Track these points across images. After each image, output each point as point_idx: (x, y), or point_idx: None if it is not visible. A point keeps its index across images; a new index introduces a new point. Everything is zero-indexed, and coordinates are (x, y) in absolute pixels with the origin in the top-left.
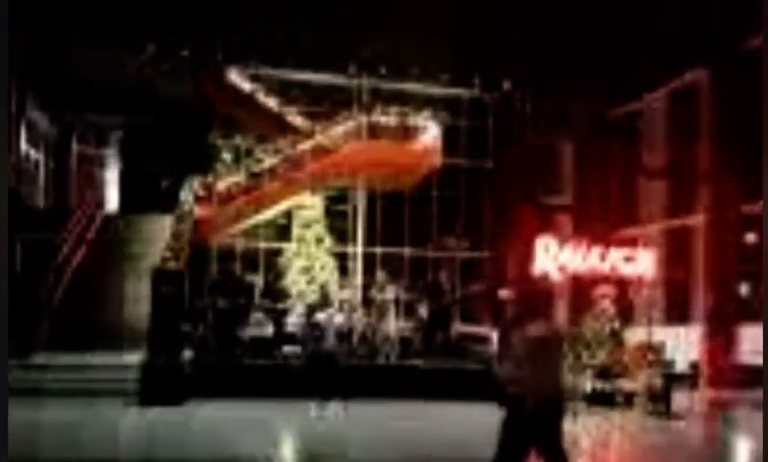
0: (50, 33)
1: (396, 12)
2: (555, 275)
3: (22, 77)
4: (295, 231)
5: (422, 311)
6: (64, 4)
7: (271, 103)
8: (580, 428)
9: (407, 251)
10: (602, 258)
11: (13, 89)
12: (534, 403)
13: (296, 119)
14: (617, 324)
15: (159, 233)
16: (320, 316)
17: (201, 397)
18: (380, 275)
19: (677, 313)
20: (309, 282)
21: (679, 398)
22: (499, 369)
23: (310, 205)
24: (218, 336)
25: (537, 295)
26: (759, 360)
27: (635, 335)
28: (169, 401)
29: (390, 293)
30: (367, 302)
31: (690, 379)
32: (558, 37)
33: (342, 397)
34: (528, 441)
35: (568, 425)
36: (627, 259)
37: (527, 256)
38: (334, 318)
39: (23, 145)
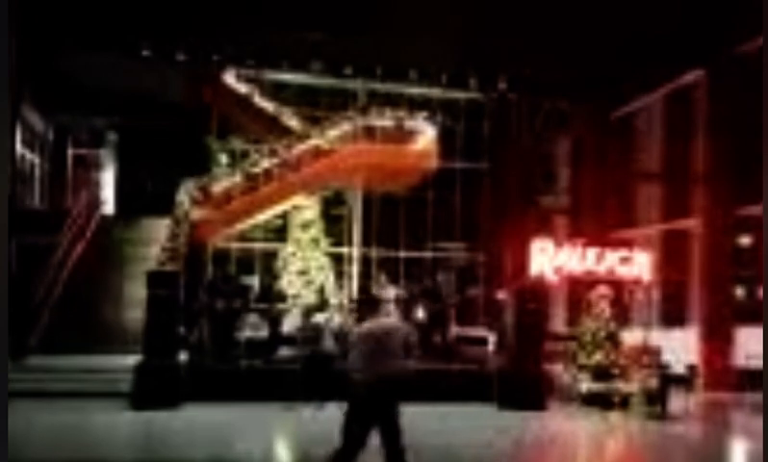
0: (46, 35)
1: (393, 14)
2: (552, 277)
3: (18, 79)
4: (292, 233)
5: (420, 313)
6: (59, 6)
7: (268, 105)
8: (577, 430)
9: (404, 253)
10: (599, 260)
11: (12, 95)
12: (367, 389)
13: (293, 122)
14: (614, 326)
15: (155, 235)
16: (319, 317)
17: (196, 400)
18: (382, 276)
19: (673, 315)
20: (305, 284)
21: (676, 400)
22: (346, 361)
23: (306, 207)
24: (214, 338)
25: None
26: (755, 363)
27: (632, 337)
28: (164, 404)
29: (390, 293)
30: None
31: (687, 381)
32: (555, 38)
33: (338, 400)
34: (367, 421)
35: (568, 427)
36: (624, 261)
37: (524, 258)
38: (332, 320)
39: (19, 147)
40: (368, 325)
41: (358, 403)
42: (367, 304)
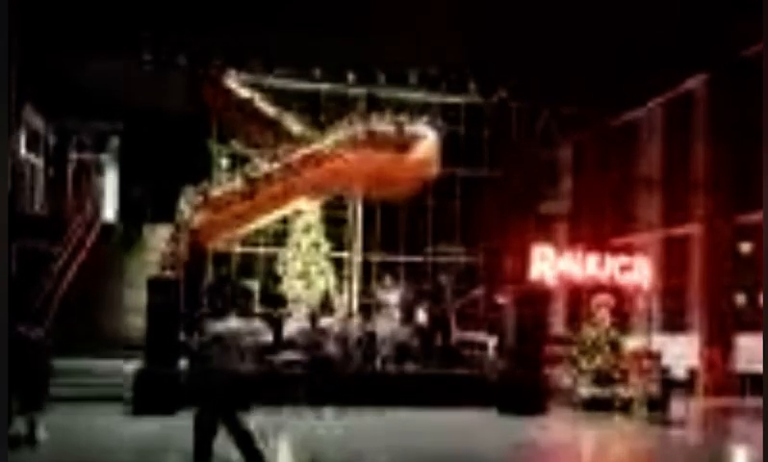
0: (48, 39)
1: (395, 20)
2: (552, 283)
3: (21, 84)
4: (293, 237)
5: (422, 317)
6: (61, 11)
7: (269, 110)
8: (578, 435)
9: (405, 258)
10: (600, 266)
11: (12, 96)
12: (211, 387)
13: (294, 126)
14: (615, 332)
15: (156, 240)
16: (325, 322)
17: (197, 406)
18: (387, 279)
19: (674, 321)
20: (307, 288)
21: (677, 406)
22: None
23: (308, 211)
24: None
25: (225, 296)
26: (756, 368)
27: (633, 342)
28: (165, 410)
29: (394, 297)
30: (365, 308)
31: (687, 387)
32: (556, 44)
33: (341, 404)
34: (213, 417)
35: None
36: (625, 267)
37: (524, 263)
38: (336, 324)
39: (21, 152)
40: (222, 324)
41: (209, 398)
42: (222, 296)
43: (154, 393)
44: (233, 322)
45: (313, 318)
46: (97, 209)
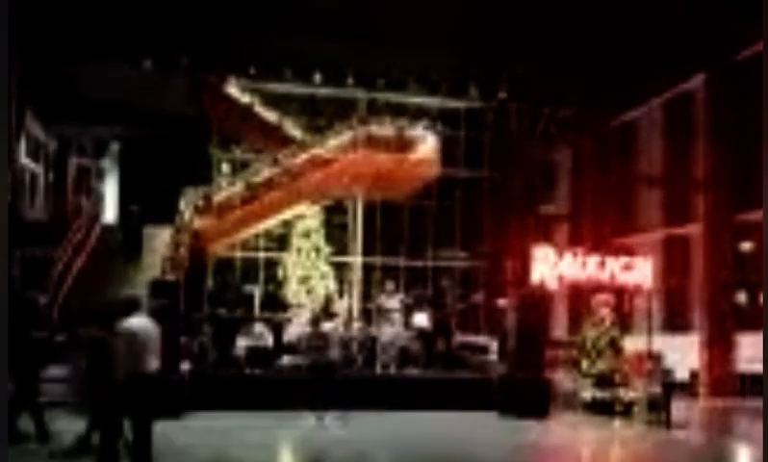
0: (49, 45)
1: (394, 24)
2: (553, 285)
3: (21, 89)
4: (294, 241)
5: (424, 320)
6: (62, 17)
7: (270, 115)
8: (580, 438)
9: (406, 261)
10: (601, 267)
11: (13, 102)
12: (119, 383)
13: (295, 131)
14: (616, 333)
15: (157, 245)
16: (327, 326)
17: (199, 409)
18: (388, 284)
19: (676, 321)
20: (308, 292)
21: (679, 407)
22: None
23: (309, 215)
24: (218, 347)
25: (124, 303)
26: (757, 368)
27: (634, 343)
28: (168, 414)
29: (396, 301)
30: (367, 312)
31: (689, 388)
32: (555, 45)
33: (342, 408)
34: (119, 412)
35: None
36: (626, 267)
37: (525, 265)
38: (338, 328)
39: (22, 158)
40: (129, 323)
41: (116, 397)
42: (125, 303)
43: (158, 395)
44: (140, 321)
45: (314, 322)
46: (97, 214)
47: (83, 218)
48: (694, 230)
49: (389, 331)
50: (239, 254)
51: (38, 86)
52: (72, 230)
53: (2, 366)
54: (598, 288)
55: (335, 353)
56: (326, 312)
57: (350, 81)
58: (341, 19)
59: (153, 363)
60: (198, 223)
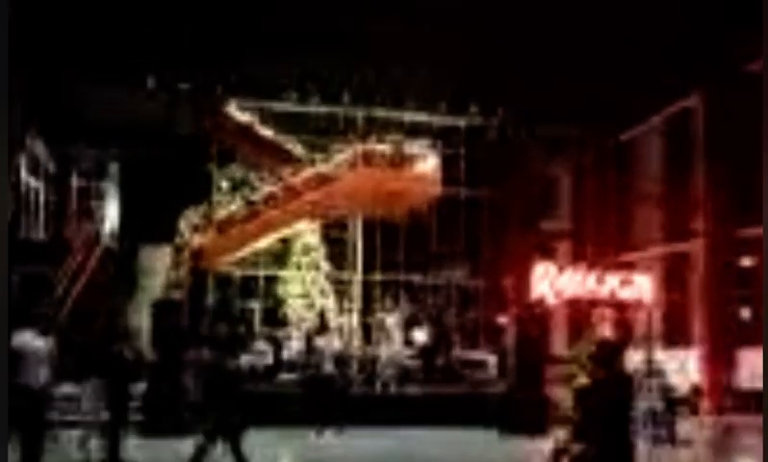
0: (52, 67)
1: (395, 42)
2: (553, 301)
3: (24, 110)
4: (294, 258)
5: (423, 337)
6: (64, 38)
7: (270, 133)
8: None
9: (405, 278)
10: (601, 283)
11: (16, 122)
12: (22, 398)
13: (295, 149)
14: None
15: (158, 264)
16: (320, 341)
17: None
18: (387, 300)
19: (676, 337)
20: (308, 308)
21: (681, 423)
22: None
23: (307, 232)
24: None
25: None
26: (759, 385)
27: (635, 359)
28: (172, 431)
29: (394, 317)
30: (366, 328)
31: (690, 403)
32: (555, 65)
33: (342, 423)
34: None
35: None
36: (626, 283)
37: (525, 282)
38: (333, 343)
39: (23, 178)
40: (17, 339)
41: (19, 410)
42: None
43: (162, 413)
44: (31, 338)
45: (309, 338)
46: (98, 234)
47: (83, 239)
48: (694, 246)
49: (387, 347)
50: (239, 271)
51: (41, 106)
52: (74, 250)
53: (2, 366)
54: (598, 303)
55: (330, 368)
56: (320, 327)
57: (350, 99)
58: (340, 38)
59: (38, 378)
60: (198, 241)
